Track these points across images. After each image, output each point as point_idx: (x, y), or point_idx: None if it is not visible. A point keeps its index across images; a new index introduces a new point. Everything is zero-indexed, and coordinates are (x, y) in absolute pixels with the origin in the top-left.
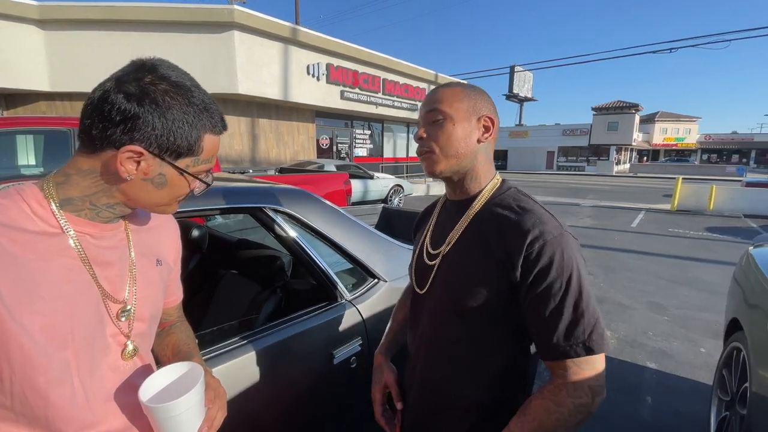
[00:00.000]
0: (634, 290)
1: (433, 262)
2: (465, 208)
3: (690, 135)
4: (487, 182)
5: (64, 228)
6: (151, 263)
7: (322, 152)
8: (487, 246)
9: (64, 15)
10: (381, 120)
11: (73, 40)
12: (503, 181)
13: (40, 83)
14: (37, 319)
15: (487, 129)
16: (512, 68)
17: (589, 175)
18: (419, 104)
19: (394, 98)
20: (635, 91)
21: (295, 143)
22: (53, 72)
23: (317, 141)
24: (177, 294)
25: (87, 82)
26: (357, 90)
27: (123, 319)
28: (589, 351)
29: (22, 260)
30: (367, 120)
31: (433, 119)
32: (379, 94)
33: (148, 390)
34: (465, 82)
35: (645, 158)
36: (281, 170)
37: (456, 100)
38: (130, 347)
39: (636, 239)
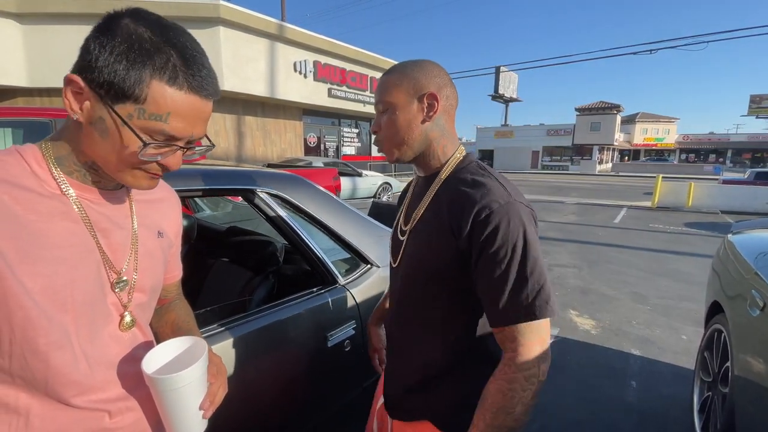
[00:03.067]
0: (617, 282)
1: (404, 237)
2: (430, 184)
3: (669, 135)
4: (448, 158)
5: (64, 190)
6: (153, 235)
7: (309, 150)
8: (442, 217)
9: (42, 8)
10: (369, 118)
11: (52, 34)
12: (466, 155)
13: (18, 79)
14: (39, 280)
15: (431, 107)
16: (498, 69)
17: (572, 174)
18: None
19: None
20: (617, 92)
21: (282, 141)
22: (31, 67)
23: (305, 139)
24: (177, 271)
25: None
26: (345, 88)
27: (117, 290)
28: (532, 316)
29: (25, 220)
30: (355, 118)
31: (380, 110)
32: (367, 92)
33: (151, 362)
34: (410, 60)
35: (626, 158)
36: (269, 167)
37: (395, 87)
38: (128, 318)
39: (618, 234)
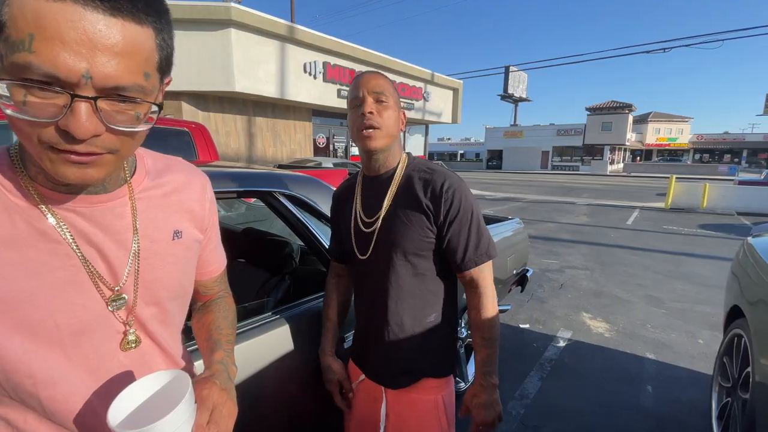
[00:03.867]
0: (631, 284)
1: (372, 228)
2: (389, 179)
3: (682, 135)
4: (399, 157)
5: (38, 203)
6: (165, 238)
7: (318, 150)
8: (416, 199)
9: None
10: None
11: None
12: (409, 154)
13: None
14: (13, 316)
15: (403, 122)
16: (507, 68)
17: (583, 174)
18: (415, 103)
19: None
20: (629, 92)
21: (291, 142)
22: None
23: (314, 139)
24: (216, 264)
25: None
26: None
27: (112, 309)
28: (488, 258)
29: None
30: None
31: (379, 100)
32: None
33: (116, 414)
34: (379, 72)
35: (638, 158)
36: (279, 167)
37: (393, 91)
38: (131, 337)
39: (631, 236)
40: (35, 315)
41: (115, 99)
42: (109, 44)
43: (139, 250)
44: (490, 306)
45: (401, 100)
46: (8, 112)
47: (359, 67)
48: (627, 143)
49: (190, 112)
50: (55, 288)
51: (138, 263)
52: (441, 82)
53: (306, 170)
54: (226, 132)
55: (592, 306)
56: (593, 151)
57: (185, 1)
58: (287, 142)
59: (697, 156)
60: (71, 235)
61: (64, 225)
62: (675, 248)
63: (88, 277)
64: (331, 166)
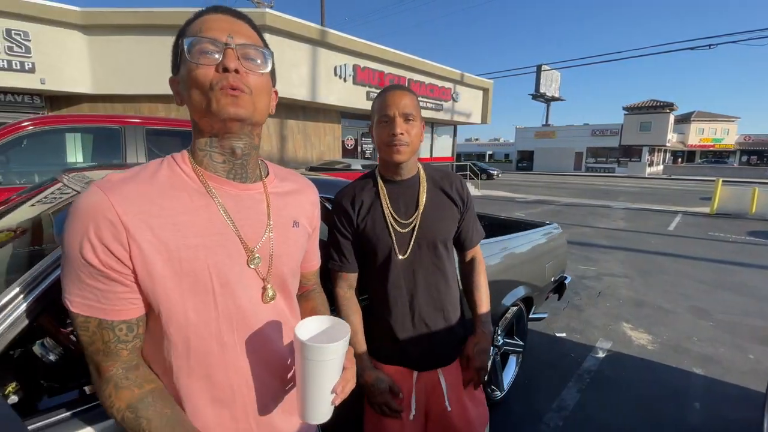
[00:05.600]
0: (674, 294)
1: (409, 227)
2: (416, 182)
3: (728, 136)
4: (417, 164)
5: (207, 186)
6: (288, 223)
7: (346, 152)
8: (447, 194)
9: (105, 21)
10: None
11: (114, 44)
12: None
13: (83, 86)
14: (184, 265)
15: (423, 129)
16: (539, 67)
17: (619, 176)
18: (444, 104)
19: (419, 98)
20: (670, 90)
21: (321, 144)
22: (95, 75)
23: (342, 141)
24: (315, 261)
25: (126, 85)
26: None
27: (253, 265)
28: (483, 235)
29: (176, 216)
30: None
31: (408, 119)
32: None
33: (302, 330)
34: (403, 86)
35: (680, 159)
36: (311, 169)
37: (417, 106)
38: (270, 292)
39: (674, 242)
40: (197, 265)
41: (244, 54)
42: (237, 28)
43: (271, 228)
44: (484, 270)
45: (430, 101)
46: (197, 72)
47: (388, 69)
48: (667, 144)
49: None
50: (212, 246)
51: (271, 238)
52: (470, 82)
53: (336, 172)
54: None
55: (632, 316)
56: (630, 153)
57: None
58: (317, 144)
59: (744, 158)
60: (224, 210)
61: (220, 201)
62: (722, 257)
63: (235, 242)
64: (360, 167)
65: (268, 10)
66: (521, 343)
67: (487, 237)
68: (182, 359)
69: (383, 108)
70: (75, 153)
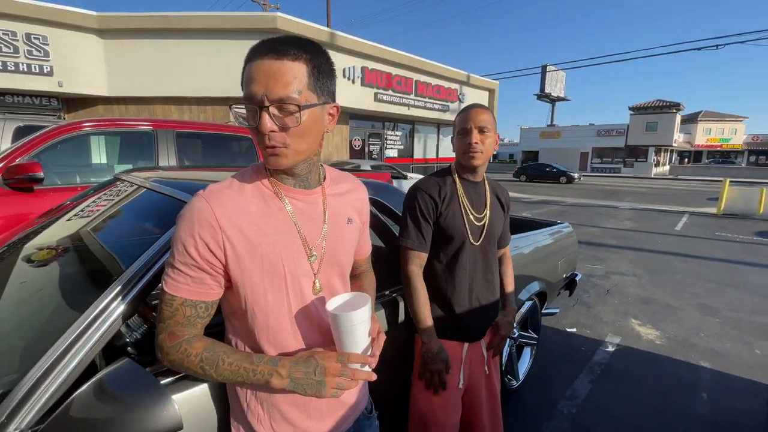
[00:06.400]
0: (682, 292)
1: (483, 221)
2: (483, 185)
3: (736, 135)
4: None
5: (279, 193)
6: (343, 221)
7: (354, 153)
8: (499, 199)
9: (121, 25)
10: (412, 121)
11: (128, 48)
12: None
13: (100, 88)
14: (264, 258)
15: (497, 141)
16: (544, 68)
17: (625, 177)
18: (450, 105)
19: (426, 99)
20: (676, 90)
21: (329, 144)
22: (111, 78)
23: (350, 142)
24: (366, 248)
25: (141, 88)
26: (390, 92)
27: (311, 261)
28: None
29: (255, 218)
30: (399, 121)
31: (482, 131)
32: (412, 96)
33: (332, 305)
34: (483, 105)
35: (686, 160)
36: None
37: (492, 120)
38: (317, 285)
39: (681, 242)
40: (273, 258)
41: (279, 106)
42: (276, 74)
43: (327, 227)
44: (512, 264)
45: (437, 102)
46: (249, 125)
47: (396, 71)
48: (674, 144)
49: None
50: (284, 243)
51: (325, 236)
52: (476, 83)
53: (353, 173)
54: None
55: (640, 313)
56: (636, 153)
57: (234, 12)
58: (325, 145)
59: (753, 158)
60: (292, 213)
61: (289, 205)
62: (729, 256)
63: (299, 239)
64: (369, 168)
65: (279, 14)
66: (535, 336)
67: None
68: (263, 332)
69: (463, 122)
70: (111, 154)
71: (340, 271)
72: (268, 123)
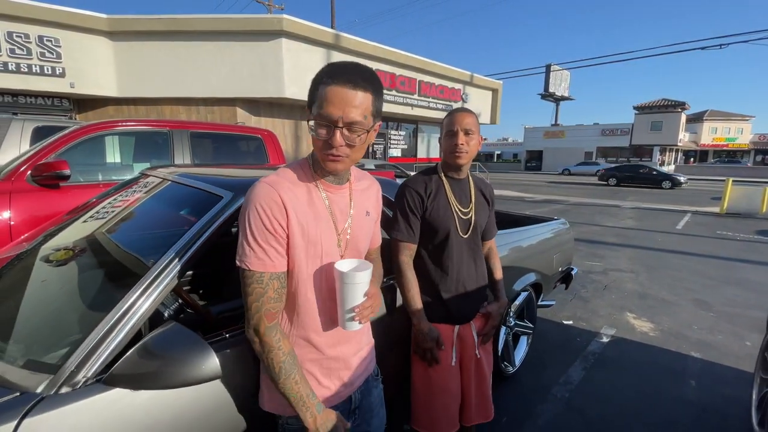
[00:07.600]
0: (678, 288)
1: (469, 215)
2: (467, 182)
3: (742, 135)
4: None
5: (317, 185)
6: (363, 213)
7: None
8: (484, 194)
9: (130, 27)
10: (415, 121)
11: (138, 49)
12: None
13: (109, 89)
14: (309, 237)
15: (479, 143)
16: (548, 67)
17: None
18: (454, 105)
19: (430, 99)
20: (682, 89)
21: None
22: (120, 79)
23: None
24: (378, 239)
25: (150, 89)
26: (394, 92)
27: (338, 245)
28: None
29: (305, 205)
30: (402, 121)
31: (468, 133)
32: (415, 96)
33: (340, 266)
34: (467, 108)
35: (692, 159)
36: None
37: (476, 123)
38: None
39: (681, 240)
40: (315, 238)
41: (349, 127)
42: (353, 101)
43: (351, 217)
44: (498, 256)
45: (440, 102)
46: (316, 133)
47: (399, 71)
48: (679, 144)
49: (243, 117)
50: (322, 228)
51: (350, 224)
52: (480, 83)
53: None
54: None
55: (636, 307)
56: (641, 152)
57: (241, 14)
58: None
59: (759, 158)
60: (328, 203)
61: (325, 198)
62: (729, 254)
63: (332, 225)
64: (373, 167)
65: (285, 16)
66: (531, 325)
67: (502, 230)
68: (303, 300)
69: (450, 124)
70: (128, 153)
71: (359, 256)
72: (339, 139)
